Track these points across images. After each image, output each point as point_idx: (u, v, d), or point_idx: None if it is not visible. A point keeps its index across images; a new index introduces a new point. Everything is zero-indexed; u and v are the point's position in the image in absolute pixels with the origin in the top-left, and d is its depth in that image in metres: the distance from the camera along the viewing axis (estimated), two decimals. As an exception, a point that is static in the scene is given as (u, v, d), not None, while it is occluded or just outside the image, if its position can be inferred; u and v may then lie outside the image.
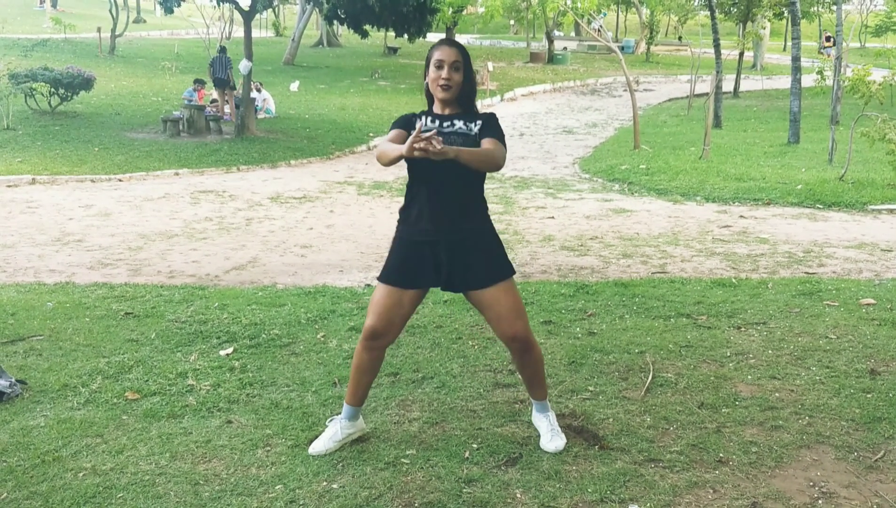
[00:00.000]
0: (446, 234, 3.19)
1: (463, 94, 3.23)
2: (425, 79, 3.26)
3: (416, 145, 2.83)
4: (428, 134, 2.84)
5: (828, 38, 38.19)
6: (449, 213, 3.18)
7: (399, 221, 3.31)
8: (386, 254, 3.38)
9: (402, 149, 2.91)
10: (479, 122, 3.21)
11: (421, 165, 3.03)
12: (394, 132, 3.23)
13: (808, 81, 19.23)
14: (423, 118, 3.22)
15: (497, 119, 3.29)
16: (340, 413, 3.43)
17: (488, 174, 3.39)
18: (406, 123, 3.25)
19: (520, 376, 3.48)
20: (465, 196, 3.22)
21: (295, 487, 3.06)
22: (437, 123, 3.20)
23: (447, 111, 3.24)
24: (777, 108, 22.74)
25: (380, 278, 3.30)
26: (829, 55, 37.85)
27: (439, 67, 3.16)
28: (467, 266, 3.21)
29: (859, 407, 3.73)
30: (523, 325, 3.27)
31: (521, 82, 28.69)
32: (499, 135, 3.20)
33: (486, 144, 3.14)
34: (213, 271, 7.24)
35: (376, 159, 3.19)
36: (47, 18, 36.06)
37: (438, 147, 2.82)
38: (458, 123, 3.19)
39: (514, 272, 3.34)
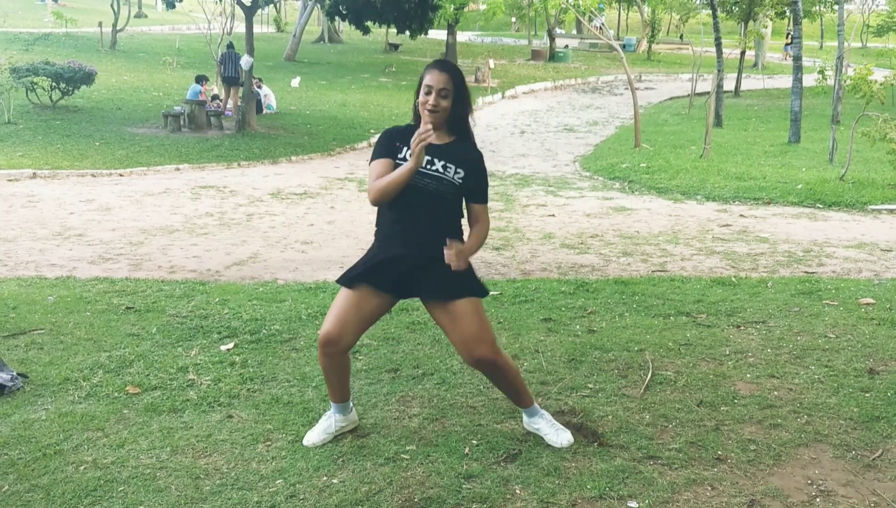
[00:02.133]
0: (417, 251, 3.17)
1: (453, 119, 3.21)
2: (416, 98, 3.24)
3: (424, 142, 2.92)
4: (426, 133, 2.91)
5: (787, 35, 38.24)
6: (423, 235, 3.17)
7: (374, 239, 3.32)
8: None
9: (409, 163, 3.00)
10: (461, 170, 3.17)
11: (410, 194, 3.10)
12: (379, 165, 3.18)
13: (809, 80, 19.22)
14: (404, 149, 3.17)
15: (483, 165, 3.27)
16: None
17: (488, 173, 3.39)
18: (389, 147, 3.21)
19: (499, 390, 3.46)
20: (441, 221, 3.20)
21: (295, 481, 3.08)
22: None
23: (434, 138, 3.14)
24: (778, 107, 22.74)
25: (338, 280, 3.28)
26: (788, 52, 37.91)
27: (428, 92, 3.16)
28: (435, 277, 3.17)
29: (857, 406, 3.74)
30: (486, 348, 3.20)
31: (522, 80, 28.68)
32: (485, 195, 3.28)
33: (479, 213, 3.26)
34: (213, 267, 7.25)
35: (373, 201, 3.17)
36: (49, 13, 36.01)
37: (455, 264, 3.03)
38: (438, 165, 3.16)
39: (484, 294, 3.29)
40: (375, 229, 3.34)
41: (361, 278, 3.21)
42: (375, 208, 3.30)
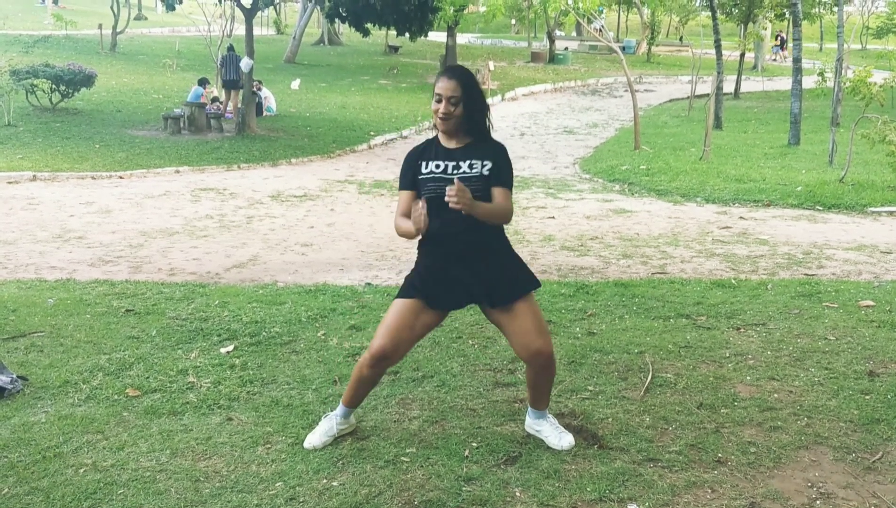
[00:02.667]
0: (462, 258, 3.23)
1: (468, 122, 3.24)
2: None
3: (420, 222, 3.05)
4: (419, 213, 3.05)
5: (776, 37, 38.32)
6: (461, 240, 3.21)
7: (419, 251, 3.36)
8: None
9: (412, 228, 3.13)
10: (488, 162, 3.22)
11: (429, 200, 3.16)
12: (402, 198, 3.30)
13: (808, 82, 19.23)
14: (428, 162, 3.24)
15: (507, 155, 3.31)
16: (335, 410, 3.47)
17: None
18: (410, 172, 3.28)
19: (529, 387, 3.45)
20: (475, 224, 3.20)
21: (295, 484, 3.08)
22: (443, 167, 3.21)
23: (453, 143, 3.26)
24: (777, 109, 22.74)
25: (399, 295, 3.31)
26: (777, 54, 37.94)
27: (438, 101, 3.21)
28: (491, 283, 3.24)
29: (858, 409, 3.74)
30: (547, 340, 3.28)
31: (522, 82, 28.69)
32: (510, 182, 3.29)
33: (498, 196, 3.23)
34: (213, 269, 7.25)
35: (398, 235, 3.33)
36: (49, 15, 36.04)
37: (454, 201, 3.00)
38: (464, 166, 3.21)
39: (538, 285, 3.36)
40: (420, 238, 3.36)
41: (417, 296, 3.26)
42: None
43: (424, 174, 3.23)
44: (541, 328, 3.27)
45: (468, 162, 3.21)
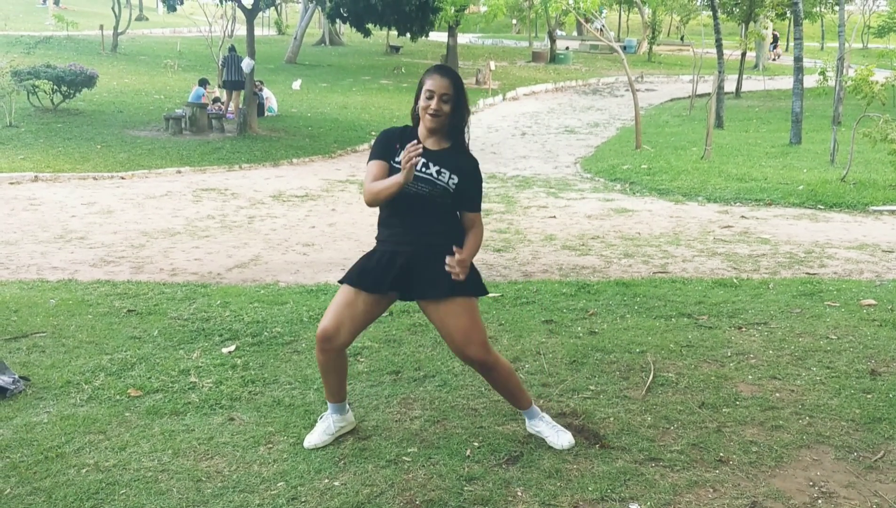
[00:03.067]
0: (415, 246, 3.20)
1: (451, 125, 3.22)
2: (415, 103, 3.25)
3: (411, 162, 2.96)
4: (416, 150, 2.96)
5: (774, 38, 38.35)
6: (422, 230, 3.20)
7: (377, 241, 3.34)
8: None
9: (398, 178, 3.02)
10: (455, 176, 3.18)
11: (403, 198, 3.12)
12: (375, 167, 3.21)
13: (810, 81, 19.22)
14: (401, 152, 3.16)
15: (479, 173, 3.29)
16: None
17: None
18: (387, 148, 3.24)
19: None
20: (434, 222, 3.21)
21: (297, 484, 3.08)
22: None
23: (430, 143, 3.22)
24: (779, 108, 22.73)
25: (340, 280, 3.32)
26: (771, 51, 37.90)
27: (430, 97, 3.17)
28: (429, 277, 3.19)
29: (859, 408, 3.74)
30: (476, 348, 3.22)
31: (523, 81, 28.69)
32: (478, 204, 3.28)
33: (472, 222, 3.25)
34: (215, 269, 7.25)
35: (367, 203, 3.21)
36: (50, 16, 36.09)
37: (458, 273, 3.07)
38: (433, 169, 3.17)
39: (480, 293, 3.28)
40: (377, 228, 3.36)
41: (354, 280, 3.25)
42: (376, 209, 3.33)
43: (395, 162, 3.18)
44: (469, 334, 3.19)
45: (437, 168, 3.17)
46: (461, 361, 3.34)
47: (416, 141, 3.05)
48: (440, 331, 3.30)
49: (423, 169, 3.16)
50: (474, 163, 3.29)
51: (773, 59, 39.67)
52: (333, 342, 3.26)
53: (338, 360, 3.34)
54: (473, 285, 3.25)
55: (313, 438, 3.39)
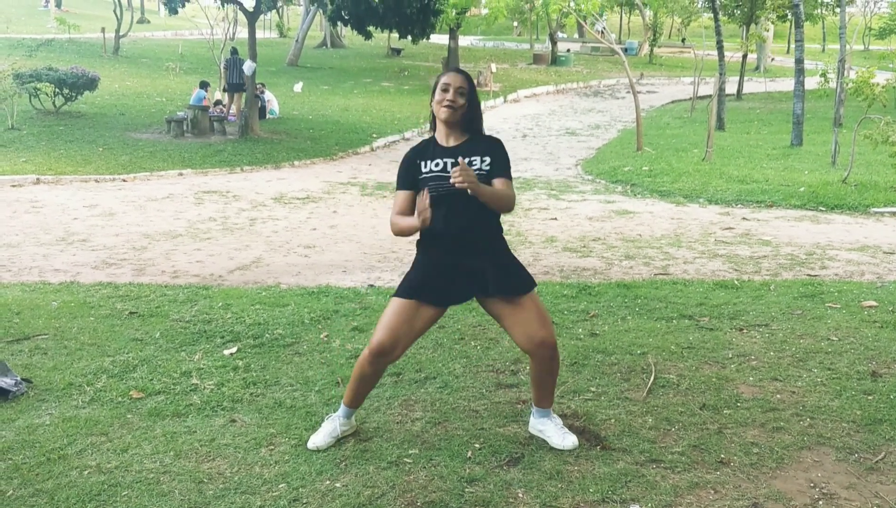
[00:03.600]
0: (465, 255, 3.25)
1: (467, 119, 3.29)
2: (431, 104, 3.32)
3: (427, 214, 3.06)
4: (424, 206, 3.06)
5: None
6: (466, 235, 3.24)
7: (417, 251, 3.38)
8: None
9: (415, 222, 3.11)
10: (487, 157, 3.25)
11: (435, 197, 3.16)
12: (399, 198, 3.32)
13: (811, 83, 19.22)
14: (427, 162, 3.26)
15: (504, 148, 3.34)
16: (337, 411, 3.48)
17: None
18: (410, 172, 3.30)
19: (533, 384, 3.46)
20: (476, 220, 3.24)
21: (298, 486, 3.08)
22: (443, 165, 3.23)
23: (451, 141, 3.28)
24: (780, 110, 22.73)
25: (396, 294, 3.32)
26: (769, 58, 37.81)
27: (445, 90, 3.24)
28: (497, 273, 3.27)
29: (860, 409, 3.74)
30: (551, 331, 3.32)
31: (524, 84, 28.71)
32: (509, 173, 3.31)
33: (500, 184, 3.24)
34: (217, 271, 7.26)
35: (393, 233, 3.34)
36: (52, 18, 36.14)
37: (460, 180, 3.02)
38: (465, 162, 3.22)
39: (535, 285, 3.40)
40: (418, 237, 3.37)
41: (418, 293, 3.27)
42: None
43: (425, 173, 3.26)
44: (545, 320, 3.31)
45: (467, 159, 3.22)
46: (526, 349, 3.31)
47: (426, 196, 3.11)
48: (510, 324, 3.30)
49: (453, 166, 3.19)
50: (498, 141, 3.36)
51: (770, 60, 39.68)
52: (390, 356, 3.30)
53: (381, 372, 3.40)
54: (531, 279, 3.38)
55: (317, 439, 3.39)
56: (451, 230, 3.23)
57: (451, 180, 3.05)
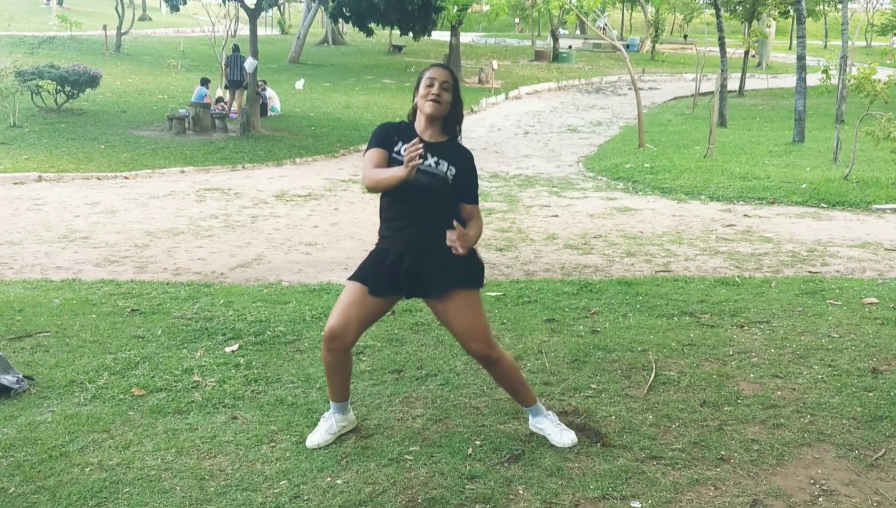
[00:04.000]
0: (419, 245, 3.23)
1: (449, 117, 3.29)
2: (414, 98, 3.31)
3: (413, 162, 2.97)
4: (417, 149, 2.96)
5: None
6: (423, 226, 3.23)
7: (379, 237, 3.36)
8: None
9: (400, 172, 3.02)
10: (453, 167, 3.22)
11: (403, 189, 3.13)
12: (375, 154, 3.25)
13: (813, 79, 19.20)
14: (401, 144, 3.22)
15: (474, 164, 3.33)
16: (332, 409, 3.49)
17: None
18: (386, 139, 3.28)
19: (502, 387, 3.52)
20: (435, 216, 3.23)
21: (299, 482, 3.09)
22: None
23: (427, 135, 3.25)
24: (782, 106, 22.72)
25: (350, 277, 3.33)
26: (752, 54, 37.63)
27: (430, 84, 3.23)
28: (431, 275, 3.23)
29: (861, 406, 3.75)
30: (478, 343, 3.26)
31: (525, 81, 28.69)
32: (475, 195, 3.32)
33: (470, 214, 3.28)
34: (218, 269, 7.27)
35: (367, 189, 3.25)
36: (53, 16, 36.15)
37: (460, 246, 3.09)
38: (430, 160, 3.21)
39: (478, 285, 3.31)
40: (379, 223, 3.37)
41: (362, 279, 3.28)
42: (379, 209, 3.35)
43: (395, 153, 3.23)
44: (471, 330, 3.24)
45: (435, 158, 3.22)
46: (468, 355, 3.36)
47: (418, 139, 3.08)
48: (445, 326, 3.34)
49: (422, 161, 3.17)
50: (469, 155, 3.34)
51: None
52: (341, 341, 3.28)
53: (344, 359, 3.36)
54: (471, 276, 3.28)
55: (316, 437, 3.40)
56: (402, 218, 3.23)
57: (448, 243, 3.09)
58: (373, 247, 3.38)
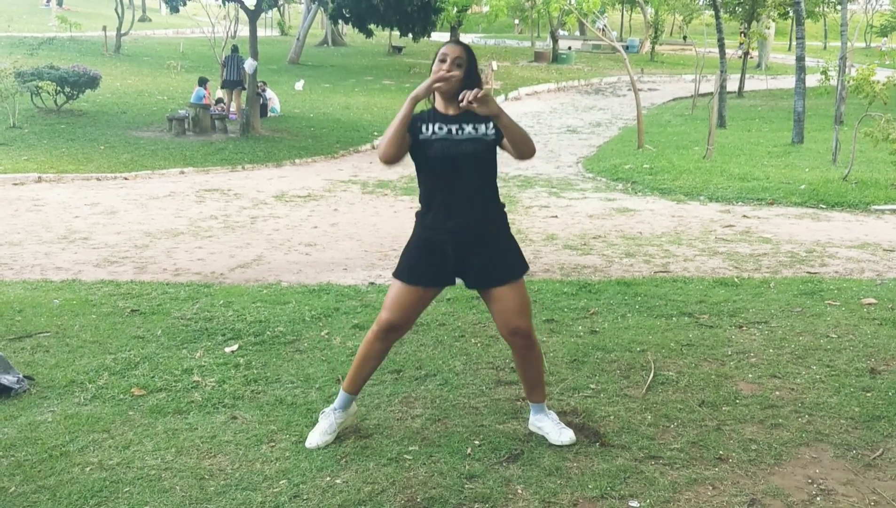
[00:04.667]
0: (464, 232, 3.26)
1: (467, 89, 3.25)
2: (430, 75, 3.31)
3: (440, 82, 3.07)
4: (448, 76, 3.07)
5: (741, 33, 38.05)
6: (465, 210, 3.24)
7: (417, 222, 3.37)
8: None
9: (420, 89, 3.10)
10: (490, 124, 3.24)
11: (435, 161, 3.18)
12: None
13: (812, 80, 19.21)
14: (429, 124, 3.23)
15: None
16: (332, 405, 3.50)
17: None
18: (408, 124, 3.25)
19: (519, 377, 3.53)
20: (480, 192, 3.27)
21: (299, 482, 3.10)
22: (446, 129, 3.22)
23: (451, 111, 3.27)
24: (781, 107, 22.73)
25: (397, 275, 3.34)
26: (739, 53, 37.63)
27: (443, 60, 3.24)
28: (483, 264, 3.28)
29: (859, 406, 3.76)
30: (526, 322, 3.34)
31: (525, 82, 28.71)
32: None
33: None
34: (218, 269, 7.28)
35: (381, 156, 3.19)
36: (53, 17, 36.15)
37: (477, 102, 3.02)
38: (468, 128, 3.23)
39: (526, 269, 3.39)
40: (420, 206, 3.36)
41: (411, 277, 3.30)
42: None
43: (427, 135, 3.22)
44: (524, 309, 3.33)
45: (472, 124, 3.23)
46: (503, 335, 3.37)
47: (444, 74, 3.14)
48: (493, 308, 3.35)
49: (459, 133, 3.20)
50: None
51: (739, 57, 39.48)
52: (400, 332, 3.39)
53: (388, 349, 3.45)
54: (520, 263, 3.36)
55: (315, 437, 3.41)
56: (447, 205, 3.23)
57: (464, 104, 3.04)
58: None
